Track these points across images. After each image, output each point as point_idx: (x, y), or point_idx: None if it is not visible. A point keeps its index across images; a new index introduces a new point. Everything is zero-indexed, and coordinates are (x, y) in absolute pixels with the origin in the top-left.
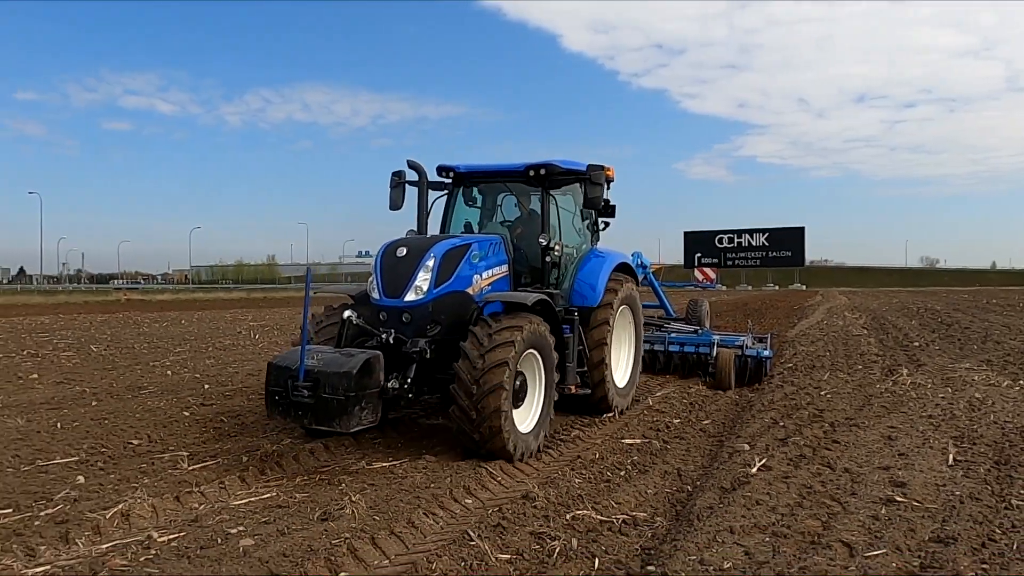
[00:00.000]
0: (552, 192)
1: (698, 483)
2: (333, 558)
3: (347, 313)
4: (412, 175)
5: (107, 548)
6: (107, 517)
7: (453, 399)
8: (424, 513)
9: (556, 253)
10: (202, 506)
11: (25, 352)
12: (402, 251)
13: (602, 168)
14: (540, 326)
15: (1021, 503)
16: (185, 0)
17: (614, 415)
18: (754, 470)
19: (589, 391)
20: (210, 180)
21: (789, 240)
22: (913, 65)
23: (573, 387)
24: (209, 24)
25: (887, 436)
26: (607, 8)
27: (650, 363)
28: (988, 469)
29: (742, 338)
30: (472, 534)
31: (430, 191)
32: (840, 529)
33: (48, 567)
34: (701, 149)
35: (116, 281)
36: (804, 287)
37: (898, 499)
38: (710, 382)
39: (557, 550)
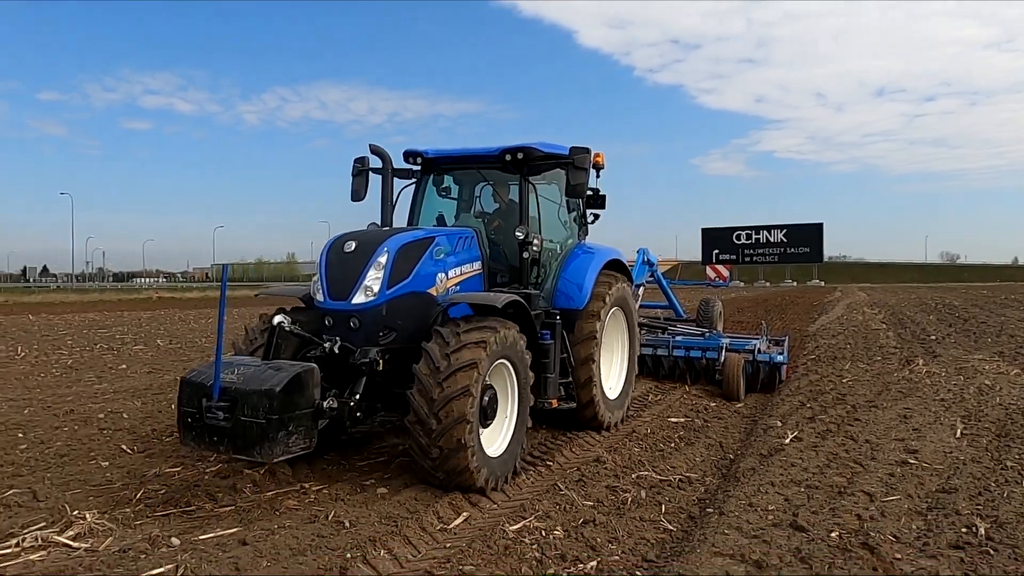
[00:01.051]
0: (532, 179)
1: (739, 452)
2: (454, 503)
3: (278, 319)
4: (376, 161)
5: (271, 495)
6: (260, 473)
7: (408, 431)
8: (518, 471)
9: (535, 248)
10: (331, 466)
11: (98, 346)
12: (350, 245)
13: (587, 151)
14: (512, 333)
15: (1014, 464)
16: (203, 0)
17: (606, 430)
18: (787, 441)
19: (574, 405)
20: (230, 179)
21: (808, 236)
22: (933, 58)
23: (555, 401)
24: (226, 23)
25: (903, 415)
26: (622, 4)
27: (653, 369)
28: (990, 440)
29: (755, 341)
30: (560, 486)
31: (397, 179)
32: (862, 483)
33: (232, 507)
34: (718, 144)
35: (140, 279)
36: (823, 283)
37: (911, 462)
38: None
39: (630, 499)
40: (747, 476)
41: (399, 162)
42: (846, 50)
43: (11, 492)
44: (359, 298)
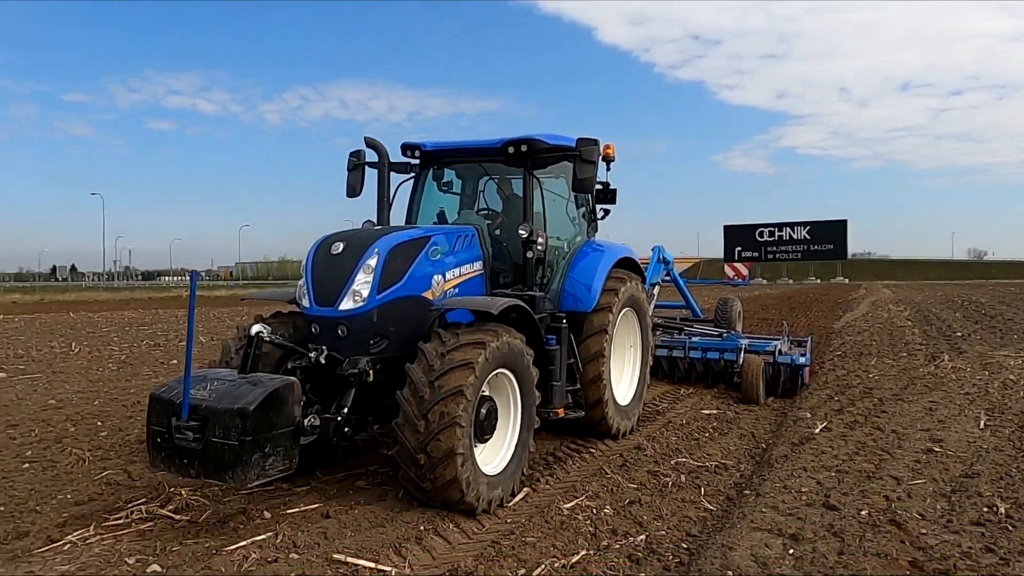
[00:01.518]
0: (537, 173)
1: (771, 441)
2: None
3: (256, 328)
4: (372, 155)
5: (342, 476)
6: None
7: (397, 460)
8: (565, 457)
9: (540, 247)
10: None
11: (144, 343)
12: (338, 247)
13: (595, 143)
14: (511, 340)
15: None
16: (225, 0)
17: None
18: (817, 431)
19: (582, 413)
20: (253, 177)
21: (831, 233)
22: (960, 51)
23: (561, 410)
24: (248, 24)
25: (928, 408)
26: (642, 0)
27: (669, 372)
28: (1012, 431)
29: (775, 342)
30: (606, 470)
31: (394, 174)
32: (889, 469)
33: (308, 487)
34: (739, 140)
35: (166, 278)
36: (847, 281)
37: (936, 450)
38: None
39: (671, 482)
40: (780, 462)
41: (396, 155)
42: (870, 44)
43: (107, 473)
44: (347, 304)
